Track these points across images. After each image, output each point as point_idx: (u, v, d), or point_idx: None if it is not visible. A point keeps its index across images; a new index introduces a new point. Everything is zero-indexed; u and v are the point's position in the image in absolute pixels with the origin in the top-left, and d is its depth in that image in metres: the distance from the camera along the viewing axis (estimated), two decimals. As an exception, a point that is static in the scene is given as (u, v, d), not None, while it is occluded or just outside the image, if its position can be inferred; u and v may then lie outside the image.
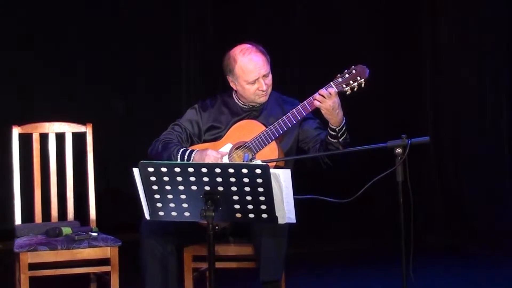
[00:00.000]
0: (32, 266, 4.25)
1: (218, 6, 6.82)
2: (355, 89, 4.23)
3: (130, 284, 4.56)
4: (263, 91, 4.31)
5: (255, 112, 4.39)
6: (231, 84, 4.39)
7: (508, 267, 5.87)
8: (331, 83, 4.22)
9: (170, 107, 6.67)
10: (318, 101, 4.12)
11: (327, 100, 4.11)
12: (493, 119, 6.40)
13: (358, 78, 4.22)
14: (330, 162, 4.29)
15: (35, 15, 6.57)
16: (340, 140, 4.19)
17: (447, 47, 6.77)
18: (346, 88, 4.21)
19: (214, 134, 4.38)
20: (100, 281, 4.60)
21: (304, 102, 4.22)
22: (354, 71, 4.24)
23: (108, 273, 4.35)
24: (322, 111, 4.15)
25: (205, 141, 4.38)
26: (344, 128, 4.18)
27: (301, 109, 4.21)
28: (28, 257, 4.23)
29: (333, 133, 4.17)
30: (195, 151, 4.23)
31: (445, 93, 6.80)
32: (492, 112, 6.41)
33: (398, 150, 3.69)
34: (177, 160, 4.19)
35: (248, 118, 4.37)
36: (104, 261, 4.34)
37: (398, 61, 6.90)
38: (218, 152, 4.20)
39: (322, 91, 4.14)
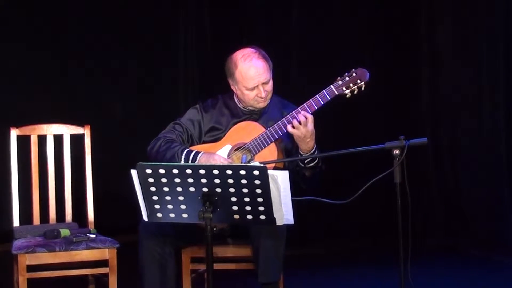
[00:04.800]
0: (30, 268, 4.24)
1: (217, 7, 6.82)
2: (355, 92, 4.24)
3: (129, 285, 4.56)
4: (261, 97, 4.30)
5: (255, 115, 4.39)
6: (232, 87, 4.38)
7: (508, 267, 5.86)
8: (331, 85, 4.23)
9: (169, 108, 6.66)
10: (293, 126, 4.13)
11: (301, 127, 4.12)
12: (492, 120, 6.40)
13: (358, 81, 4.23)
14: (304, 185, 4.29)
15: (34, 15, 6.56)
16: (307, 166, 4.21)
17: (446, 47, 6.76)
18: (346, 91, 4.23)
19: (214, 135, 4.37)
20: (98, 282, 4.60)
21: (304, 104, 4.21)
22: (354, 74, 4.24)
23: (106, 275, 4.35)
24: (294, 137, 4.16)
25: (204, 142, 4.38)
26: (314, 162, 4.21)
27: (300, 111, 4.21)
28: (26, 259, 4.22)
29: (300, 161, 4.21)
30: (201, 153, 4.21)
31: (443, 94, 6.80)
32: (491, 113, 6.41)
33: (396, 151, 3.69)
34: (181, 161, 4.18)
35: (248, 120, 4.37)
36: (102, 263, 4.34)
37: (397, 62, 6.90)
38: (225, 159, 4.19)
39: (300, 117, 4.13)
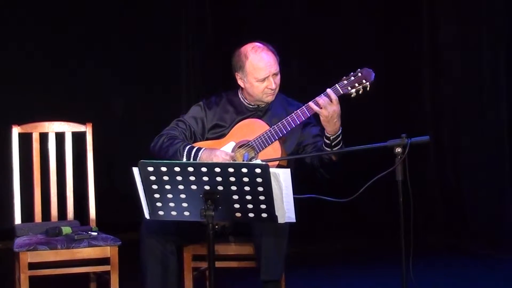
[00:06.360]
0: (32, 266, 4.24)
1: (217, 6, 6.82)
2: (360, 92, 4.25)
3: (130, 283, 4.56)
4: (271, 89, 4.31)
5: (259, 112, 4.40)
6: (239, 82, 4.38)
7: (508, 267, 5.87)
8: (336, 85, 4.24)
9: (170, 107, 6.67)
10: (319, 106, 4.13)
11: (328, 107, 4.11)
12: (493, 119, 6.40)
13: (364, 81, 4.24)
14: (327, 174, 4.29)
15: (35, 14, 6.57)
16: (334, 150, 4.20)
17: (447, 47, 6.77)
18: (352, 91, 4.24)
19: (218, 132, 4.38)
20: (99, 280, 4.60)
21: (309, 102, 4.22)
22: (360, 74, 4.25)
23: (108, 273, 4.35)
24: (321, 118, 4.16)
25: (207, 139, 4.38)
26: (338, 139, 4.19)
27: (305, 109, 4.22)
28: (28, 257, 4.22)
29: (327, 141, 4.19)
30: (202, 149, 4.22)
31: (445, 93, 6.80)
32: (492, 112, 6.41)
33: (398, 150, 3.69)
34: (183, 157, 4.19)
35: (252, 118, 4.38)
36: (104, 261, 4.34)
37: (398, 61, 6.90)
38: (227, 154, 4.19)
39: (323, 97, 4.14)
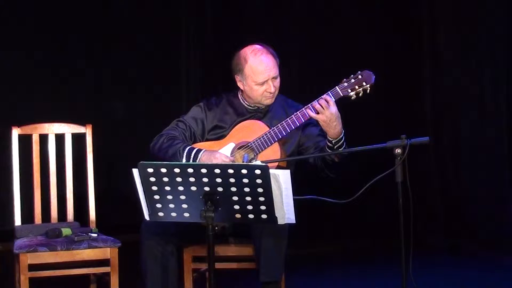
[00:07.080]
0: (32, 267, 4.24)
1: (218, 5, 6.82)
2: (360, 94, 4.24)
3: (130, 284, 4.57)
4: (270, 93, 4.31)
5: (259, 114, 4.40)
6: (239, 84, 4.38)
7: (508, 267, 5.87)
8: (336, 87, 4.23)
9: (170, 107, 6.67)
10: (317, 111, 4.13)
11: (325, 110, 4.11)
12: (493, 119, 6.40)
13: (364, 83, 4.23)
14: (331, 174, 4.29)
15: (35, 15, 6.57)
16: (336, 151, 4.19)
17: (447, 47, 6.77)
18: (351, 93, 4.23)
19: (218, 133, 4.38)
20: (100, 282, 4.60)
21: (309, 104, 4.21)
22: (360, 77, 4.24)
23: (108, 274, 4.35)
24: (319, 123, 4.16)
25: (207, 140, 4.39)
26: (341, 142, 4.18)
27: (304, 111, 4.21)
28: (28, 258, 4.22)
29: (330, 145, 4.19)
30: (203, 151, 4.22)
31: (445, 93, 6.80)
32: (492, 113, 6.41)
33: (398, 150, 3.70)
34: (182, 158, 4.19)
35: (252, 119, 4.38)
36: (104, 262, 4.34)
37: (398, 61, 6.90)
38: (227, 157, 4.20)
39: (321, 101, 4.13)
